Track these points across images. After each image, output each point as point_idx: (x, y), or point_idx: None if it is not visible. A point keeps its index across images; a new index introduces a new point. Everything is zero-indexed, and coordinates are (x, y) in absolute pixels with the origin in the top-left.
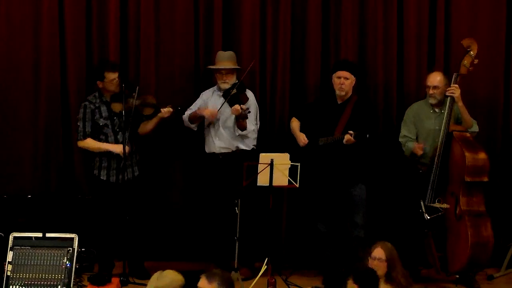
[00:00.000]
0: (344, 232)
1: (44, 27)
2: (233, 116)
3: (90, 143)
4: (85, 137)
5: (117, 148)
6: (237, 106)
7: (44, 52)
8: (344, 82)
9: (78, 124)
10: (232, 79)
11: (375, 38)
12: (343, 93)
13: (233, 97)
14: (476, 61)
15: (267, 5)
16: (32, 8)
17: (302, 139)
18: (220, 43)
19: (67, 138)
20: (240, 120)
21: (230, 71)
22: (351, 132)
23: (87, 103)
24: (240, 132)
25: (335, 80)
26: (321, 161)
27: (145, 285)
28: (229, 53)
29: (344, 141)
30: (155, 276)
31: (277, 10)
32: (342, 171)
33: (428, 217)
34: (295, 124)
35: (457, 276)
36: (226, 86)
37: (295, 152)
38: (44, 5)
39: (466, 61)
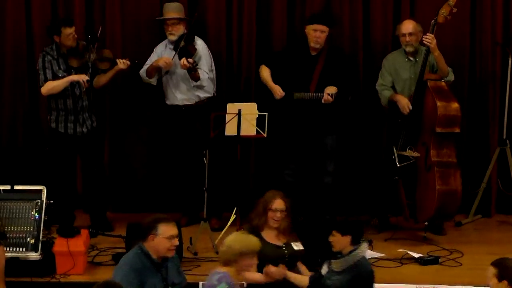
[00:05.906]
0: (312, 179)
1: None
2: None
3: (52, 84)
4: (46, 81)
5: (79, 77)
6: (184, 61)
7: (10, 7)
8: (320, 35)
9: (39, 72)
10: (179, 30)
11: None
12: (318, 46)
13: (182, 49)
14: (455, 9)
15: None
16: None
17: (278, 91)
18: None
19: (33, 90)
20: (192, 72)
21: (176, 22)
22: (329, 92)
23: (45, 53)
24: (194, 83)
25: (311, 32)
26: (294, 112)
27: (114, 236)
28: (175, 4)
29: (322, 100)
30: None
31: None
32: (315, 122)
33: (399, 165)
34: (266, 73)
35: (426, 223)
36: (173, 37)
37: (266, 102)
38: None
39: (444, 10)
